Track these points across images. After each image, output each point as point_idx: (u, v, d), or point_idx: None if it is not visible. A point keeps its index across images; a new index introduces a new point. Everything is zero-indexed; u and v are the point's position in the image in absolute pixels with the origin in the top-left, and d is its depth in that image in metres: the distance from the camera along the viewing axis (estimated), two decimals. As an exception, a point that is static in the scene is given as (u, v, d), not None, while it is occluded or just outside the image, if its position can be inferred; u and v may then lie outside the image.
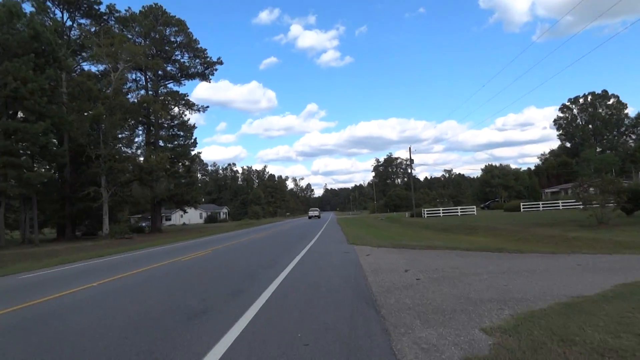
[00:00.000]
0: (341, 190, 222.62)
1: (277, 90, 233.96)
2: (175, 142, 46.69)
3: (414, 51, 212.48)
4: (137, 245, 22.14)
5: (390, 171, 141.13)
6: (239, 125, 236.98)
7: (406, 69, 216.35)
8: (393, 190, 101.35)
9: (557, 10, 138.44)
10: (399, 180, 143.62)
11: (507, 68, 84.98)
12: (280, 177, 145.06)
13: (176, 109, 46.98)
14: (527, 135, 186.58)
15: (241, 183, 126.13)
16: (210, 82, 50.65)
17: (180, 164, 46.91)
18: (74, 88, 28.71)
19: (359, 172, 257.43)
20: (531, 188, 49.85)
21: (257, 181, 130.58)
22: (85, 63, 36.34)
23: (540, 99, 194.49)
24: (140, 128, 45.77)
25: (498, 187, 55.59)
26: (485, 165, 62.00)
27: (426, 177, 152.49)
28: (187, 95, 47.79)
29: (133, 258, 14.32)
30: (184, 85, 46.67)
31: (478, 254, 9.98)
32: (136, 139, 43.58)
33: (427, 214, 44.48)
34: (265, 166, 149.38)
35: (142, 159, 32.04)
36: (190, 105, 47.79)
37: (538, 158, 74.62)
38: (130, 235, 28.14)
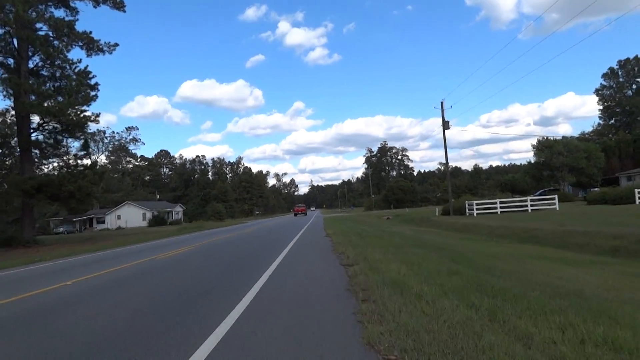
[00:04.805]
0: (328, 187, 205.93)
1: (264, 89, 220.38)
2: (63, 100, 28.03)
3: (401, 48, 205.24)
4: None
5: (384, 162, 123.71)
6: (225, 124, 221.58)
7: (393, 66, 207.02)
8: (395, 182, 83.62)
9: (542, 8, 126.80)
10: (394, 172, 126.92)
11: (490, 64, 71.13)
12: (260, 171, 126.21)
13: (58, 44, 28.44)
14: (511, 132, 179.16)
15: (212, 177, 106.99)
16: (124, 11, 31.77)
17: (63, 134, 28.43)
18: None
19: (346, 169, 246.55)
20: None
21: (230, 175, 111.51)
22: None
23: (523, 96, 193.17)
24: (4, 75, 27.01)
25: (563, 169, 37.92)
26: (538, 140, 43.38)
27: (419, 171, 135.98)
28: (87, 32, 29.07)
29: None
30: (79, 12, 27.30)
31: None
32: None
33: (478, 209, 26.84)
34: (240, 157, 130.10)
35: None
36: (84, 40, 29.15)
37: (588, 134, 57.59)
38: None
